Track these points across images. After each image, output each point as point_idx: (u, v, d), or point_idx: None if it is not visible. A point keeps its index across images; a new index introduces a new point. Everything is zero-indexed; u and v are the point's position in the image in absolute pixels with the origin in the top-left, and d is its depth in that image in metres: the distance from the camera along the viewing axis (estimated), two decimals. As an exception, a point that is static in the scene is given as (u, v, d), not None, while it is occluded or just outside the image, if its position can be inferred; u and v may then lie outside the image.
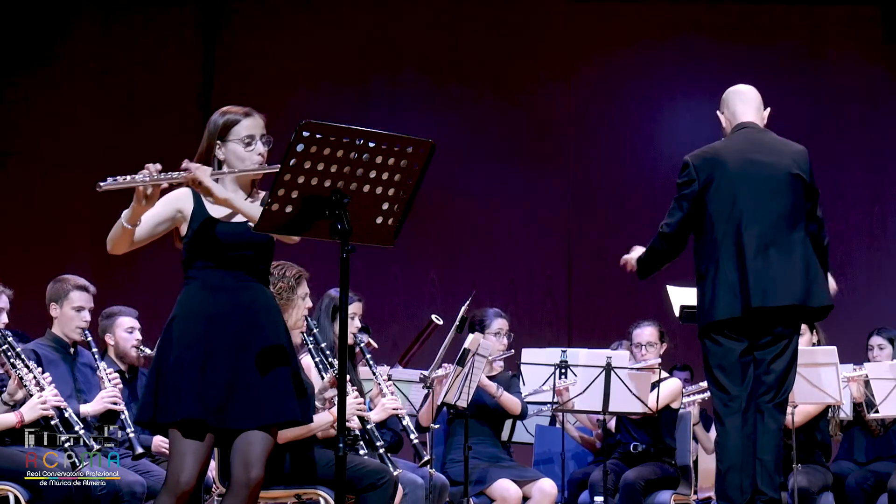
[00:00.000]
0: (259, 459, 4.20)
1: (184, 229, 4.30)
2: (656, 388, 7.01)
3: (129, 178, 4.07)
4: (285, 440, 5.35)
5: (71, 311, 6.16)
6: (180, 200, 4.31)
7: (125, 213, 4.17)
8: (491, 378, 7.09)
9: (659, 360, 7.24)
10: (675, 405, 7.31)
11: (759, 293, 5.39)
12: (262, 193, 4.37)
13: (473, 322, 7.08)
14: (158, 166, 4.12)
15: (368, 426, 5.70)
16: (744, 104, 5.65)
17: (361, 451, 5.65)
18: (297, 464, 5.37)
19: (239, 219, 4.30)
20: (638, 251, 5.84)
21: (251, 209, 4.23)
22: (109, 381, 6.08)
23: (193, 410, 4.12)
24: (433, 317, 6.93)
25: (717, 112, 5.74)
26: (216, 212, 4.30)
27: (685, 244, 5.66)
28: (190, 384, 4.13)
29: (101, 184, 4.06)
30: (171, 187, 4.29)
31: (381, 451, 5.66)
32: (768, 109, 5.72)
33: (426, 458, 6.14)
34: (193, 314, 4.22)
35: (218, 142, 4.31)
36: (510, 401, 7.05)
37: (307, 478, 5.38)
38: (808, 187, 5.56)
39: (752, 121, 5.64)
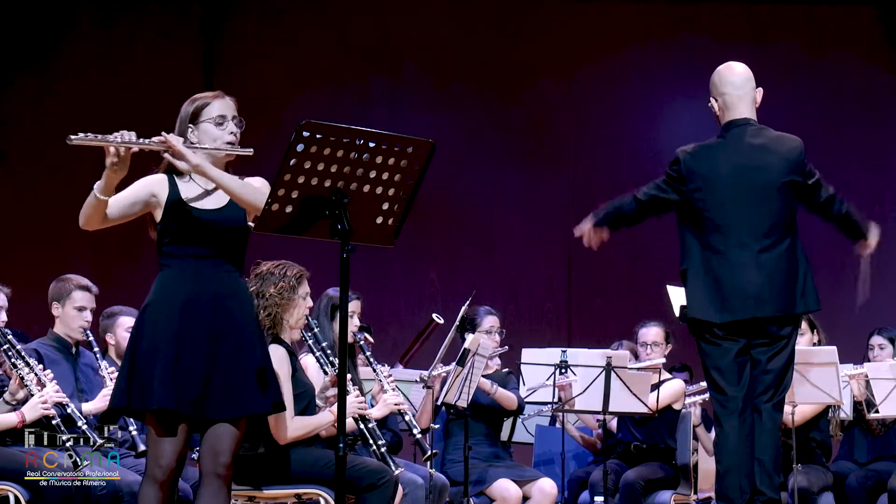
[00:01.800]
0: (228, 448, 4.23)
1: (158, 214, 4.29)
2: (657, 389, 7.01)
3: (101, 136, 4.07)
4: (288, 440, 5.35)
5: (73, 310, 6.16)
6: (155, 185, 4.31)
7: (98, 183, 4.16)
8: (486, 376, 7.08)
9: (663, 360, 7.24)
10: (676, 406, 7.32)
11: (739, 304, 5.38)
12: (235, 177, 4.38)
13: (465, 321, 7.06)
14: (133, 133, 4.12)
15: (370, 425, 5.70)
16: (739, 99, 5.53)
17: (380, 442, 5.65)
18: (297, 464, 5.37)
19: (213, 204, 4.30)
20: (589, 221, 5.73)
21: (222, 176, 4.23)
22: (111, 379, 6.08)
23: (168, 401, 4.15)
24: (434, 316, 6.93)
25: (710, 99, 5.59)
26: (191, 197, 4.30)
27: (652, 216, 5.64)
28: (164, 374, 4.15)
29: (72, 137, 4.04)
30: (151, 172, 4.33)
31: (383, 449, 5.66)
32: (760, 90, 5.58)
33: (431, 452, 6.14)
34: (167, 302, 4.23)
35: (190, 125, 4.32)
36: (505, 396, 7.04)
37: (307, 478, 5.38)
38: (801, 186, 5.51)
39: (745, 117, 5.53)
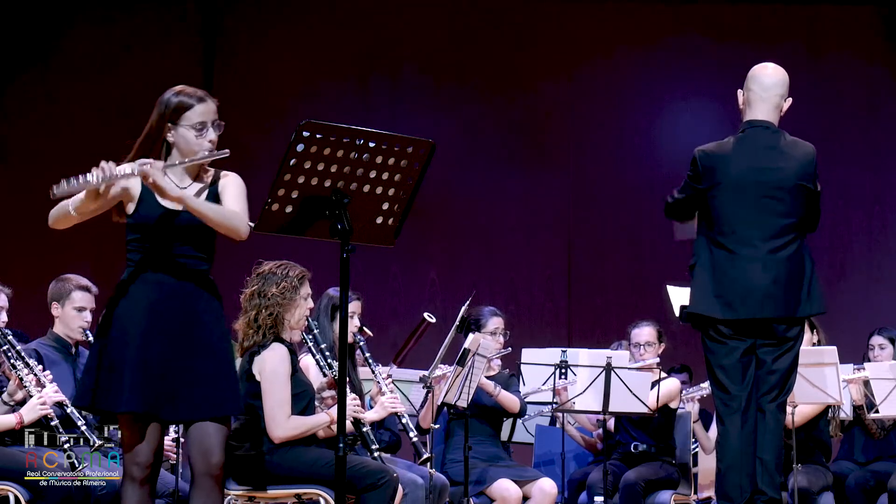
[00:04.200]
0: (217, 446, 4.23)
1: (130, 208, 4.27)
2: (656, 388, 7.01)
3: (82, 180, 4.04)
4: (282, 439, 5.35)
5: (73, 311, 6.15)
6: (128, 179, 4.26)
7: (75, 201, 4.15)
8: (489, 378, 7.08)
9: (658, 360, 7.24)
10: (673, 405, 7.31)
11: (743, 303, 5.39)
12: (211, 172, 4.35)
13: (469, 321, 7.06)
14: (112, 164, 4.10)
15: (364, 429, 5.70)
16: (762, 101, 5.55)
17: (374, 447, 5.64)
18: (297, 464, 5.37)
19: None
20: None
21: (201, 205, 4.20)
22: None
23: (139, 404, 4.16)
24: (425, 315, 6.91)
25: (739, 90, 5.63)
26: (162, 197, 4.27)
27: (692, 215, 5.66)
28: (133, 376, 4.15)
29: (56, 190, 4.03)
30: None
31: (377, 454, 5.65)
32: (789, 101, 5.60)
33: (426, 456, 6.13)
34: (135, 302, 4.22)
35: (169, 124, 4.26)
36: (508, 399, 7.04)
37: (307, 478, 5.38)
38: (811, 193, 5.54)
39: (765, 119, 5.55)
